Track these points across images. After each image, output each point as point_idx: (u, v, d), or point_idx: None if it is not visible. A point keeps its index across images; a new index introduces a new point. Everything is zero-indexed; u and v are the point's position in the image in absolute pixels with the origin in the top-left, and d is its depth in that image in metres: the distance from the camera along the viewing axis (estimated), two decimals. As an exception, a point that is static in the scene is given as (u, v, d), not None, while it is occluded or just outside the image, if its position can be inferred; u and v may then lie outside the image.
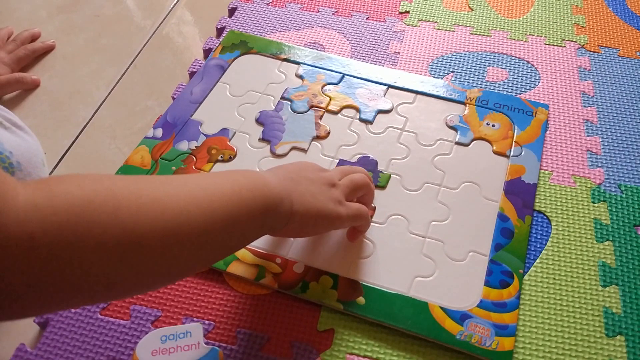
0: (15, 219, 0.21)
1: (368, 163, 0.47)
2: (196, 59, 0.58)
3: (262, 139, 0.49)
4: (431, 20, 0.61)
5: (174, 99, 0.54)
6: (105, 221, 0.23)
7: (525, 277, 0.40)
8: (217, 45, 0.59)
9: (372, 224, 0.43)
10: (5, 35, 0.60)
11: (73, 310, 0.39)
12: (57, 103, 0.56)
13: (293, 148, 0.49)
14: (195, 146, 0.49)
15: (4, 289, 0.21)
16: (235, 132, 0.50)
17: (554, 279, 0.40)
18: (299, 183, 0.35)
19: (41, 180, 0.24)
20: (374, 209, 0.44)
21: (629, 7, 0.63)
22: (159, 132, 0.50)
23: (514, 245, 0.42)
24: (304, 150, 0.48)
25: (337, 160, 0.48)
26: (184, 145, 0.49)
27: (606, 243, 0.42)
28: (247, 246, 0.41)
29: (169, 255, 0.26)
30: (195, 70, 0.57)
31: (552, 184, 0.46)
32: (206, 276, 0.41)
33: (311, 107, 0.52)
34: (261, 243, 0.42)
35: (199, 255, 0.28)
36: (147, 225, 0.24)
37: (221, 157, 0.48)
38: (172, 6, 0.66)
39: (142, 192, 0.25)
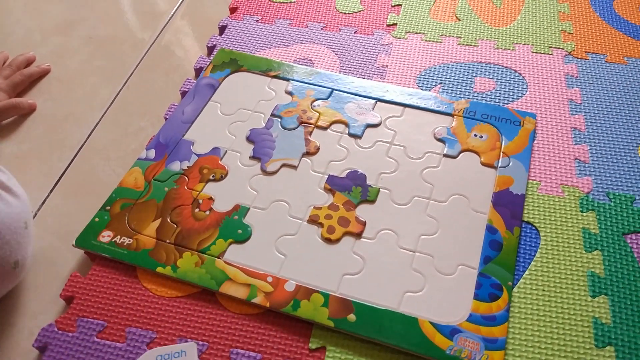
0: None
1: (357, 178, 0.48)
2: (187, 79, 0.59)
3: (253, 157, 0.50)
4: (418, 32, 0.62)
5: (166, 119, 0.55)
6: None
7: (515, 289, 0.41)
8: (208, 64, 0.59)
9: (362, 239, 0.44)
10: (0, 61, 0.61)
11: (70, 334, 0.40)
12: (52, 126, 0.56)
13: (283, 165, 0.49)
14: (187, 166, 0.49)
15: None
16: (226, 151, 0.51)
17: (543, 290, 0.41)
18: None
19: None
20: (364, 223, 0.44)
21: (616, 11, 0.64)
22: (152, 153, 0.51)
23: (503, 258, 0.42)
24: (294, 167, 0.49)
25: (327, 176, 0.48)
26: (176, 166, 0.49)
27: (595, 253, 0.43)
28: (239, 265, 0.42)
29: None
30: (186, 89, 0.57)
31: (541, 194, 0.46)
32: (199, 297, 0.41)
33: (301, 123, 0.53)
34: (252, 262, 0.42)
35: None
36: None
37: (213, 176, 0.49)
38: (163, 26, 0.67)
39: None
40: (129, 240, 0.44)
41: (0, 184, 0.42)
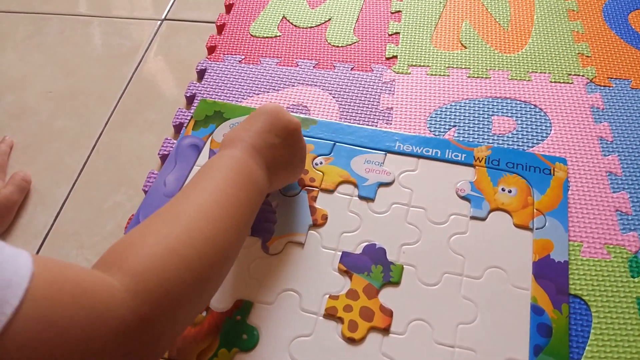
0: (126, 309, 0.26)
1: (375, 253, 0.41)
2: (166, 138, 0.51)
3: (251, 235, 0.43)
4: (422, 64, 0.56)
5: (145, 192, 0.47)
6: (186, 275, 0.29)
7: (573, 384, 0.35)
8: (188, 119, 0.52)
9: (390, 335, 0.37)
10: None
11: None
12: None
13: (288, 243, 0.43)
14: (176, 253, 0.42)
15: None
16: (220, 230, 0.44)
17: (606, 383, 0.35)
18: (277, 156, 0.39)
19: (116, 267, 0.27)
20: (391, 314, 0.38)
21: (632, 26, 0.58)
22: (132, 239, 0.43)
23: (555, 345, 0.36)
24: (301, 245, 0.42)
25: (340, 253, 0.42)
26: (162, 254, 0.42)
27: (655, 328, 0.37)
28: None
29: (222, 269, 0.33)
30: (166, 152, 0.50)
31: (584, 259, 0.41)
32: None
33: (303, 187, 0.46)
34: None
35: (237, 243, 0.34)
36: (204, 257, 0.30)
37: (207, 264, 0.42)
38: (131, 74, 0.59)
39: (183, 236, 0.30)
40: (114, 358, 0.37)
41: None
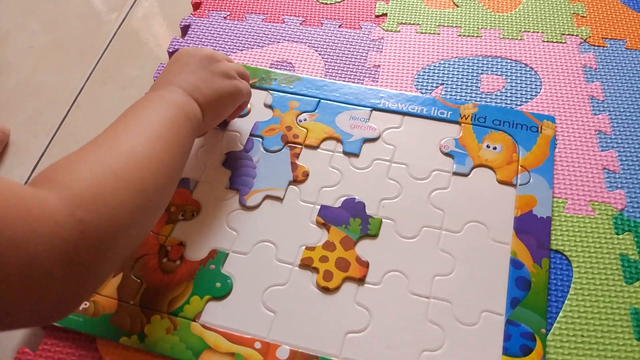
0: (63, 216, 0.25)
1: (354, 207, 0.41)
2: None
3: (230, 188, 0.42)
4: (412, 22, 0.54)
5: (124, 145, 0.46)
6: (123, 191, 0.29)
7: (549, 336, 0.35)
8: (170, 73, 0.51)
9: (366, 285, 0.37)
10: None
11: None
12: (-12, 160, 0.48)
13: (267, 197, 0.42)
14: (152, 204, 0.42)
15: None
16: (197, 182, 0.43)
17: (582, 336, 0.34)
18: (190, 79, 0.38)
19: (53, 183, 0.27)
20: (367, 265, 0.38)
21: (631, -13, 0.56)
22: (109, 190, 0.43)
23: (533, 298, 0.36)
24: (280, 199, 0.41)
25: (319, 207, 0.41)
26: (138, 205, 0.42)
27: (637, 284, 0.36)
28: (221, 330, 0.35)
29: (161, 192, 0.32)
30: (147, 106, 0.49)
31: (568, 215, 0.40)
32: (174, 373, 0.34)
33: (286, 143, 0.45)
34: (236, 323, 0.35)
35: (173, 166, 0.34)
36: (140, 175, 0.30)
37: (182, 215, 0.41)
38: (116, 29, 0.58)
39: (113, 157, 0.30)
40: (85, 304, 0.36)
41: None
